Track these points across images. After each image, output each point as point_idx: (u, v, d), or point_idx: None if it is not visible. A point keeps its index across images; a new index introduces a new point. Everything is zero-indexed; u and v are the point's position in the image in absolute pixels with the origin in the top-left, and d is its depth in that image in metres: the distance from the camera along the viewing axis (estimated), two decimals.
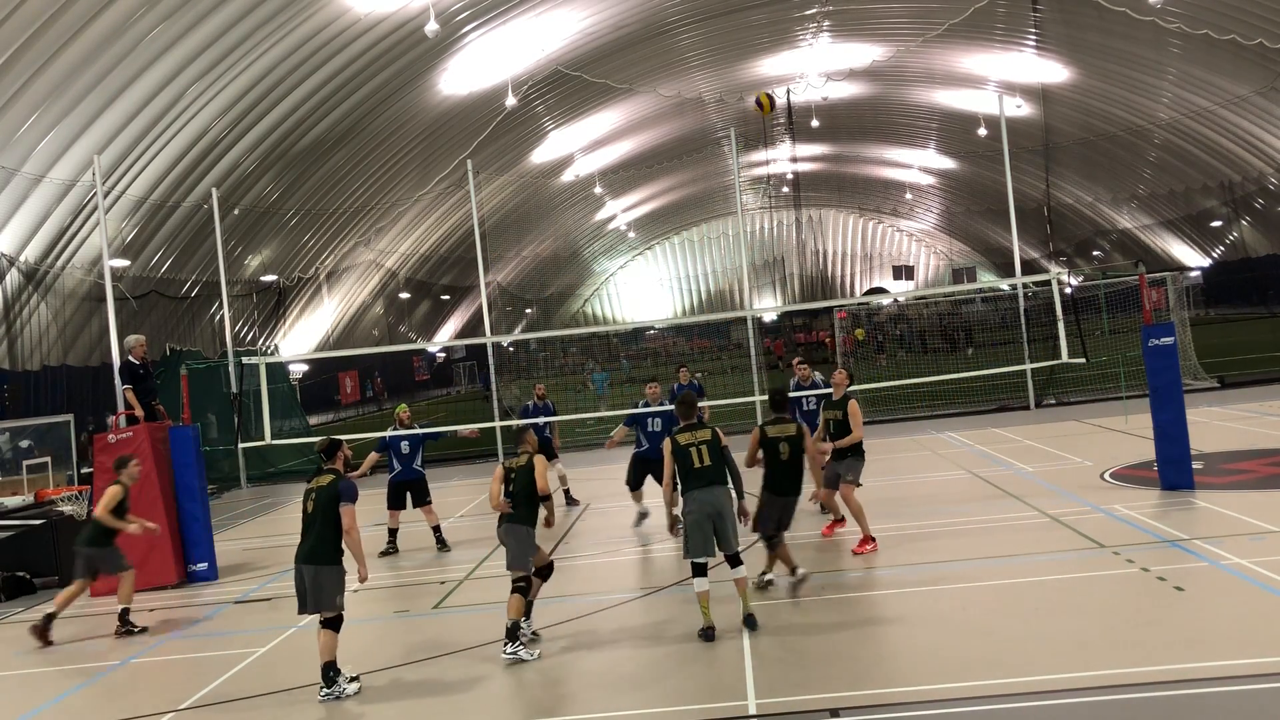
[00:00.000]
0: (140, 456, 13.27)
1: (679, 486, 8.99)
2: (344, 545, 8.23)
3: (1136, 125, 45.37)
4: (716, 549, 8.72)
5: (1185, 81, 40.75)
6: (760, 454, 9.73)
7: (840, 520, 12.08)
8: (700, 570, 8.68)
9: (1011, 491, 13.61)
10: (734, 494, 9.02)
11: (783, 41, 42.10)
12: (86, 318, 28.54)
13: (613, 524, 14.47)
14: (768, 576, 10.08)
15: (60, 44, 21.25)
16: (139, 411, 13.87)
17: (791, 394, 13.43)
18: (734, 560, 8.78)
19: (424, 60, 31.79)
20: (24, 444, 17.76)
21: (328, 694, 8.01)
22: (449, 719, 7.58)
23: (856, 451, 11.37)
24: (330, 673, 8.04)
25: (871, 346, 44.41)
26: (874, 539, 11.18)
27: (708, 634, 8.51)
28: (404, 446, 14.12)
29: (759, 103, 24.54)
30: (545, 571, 9.13)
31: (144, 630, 10.92)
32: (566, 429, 26.47)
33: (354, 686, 8.12)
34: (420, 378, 62.38)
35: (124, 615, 10.94)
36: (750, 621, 8.63)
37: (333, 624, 8.16)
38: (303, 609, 8.29)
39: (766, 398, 10.10)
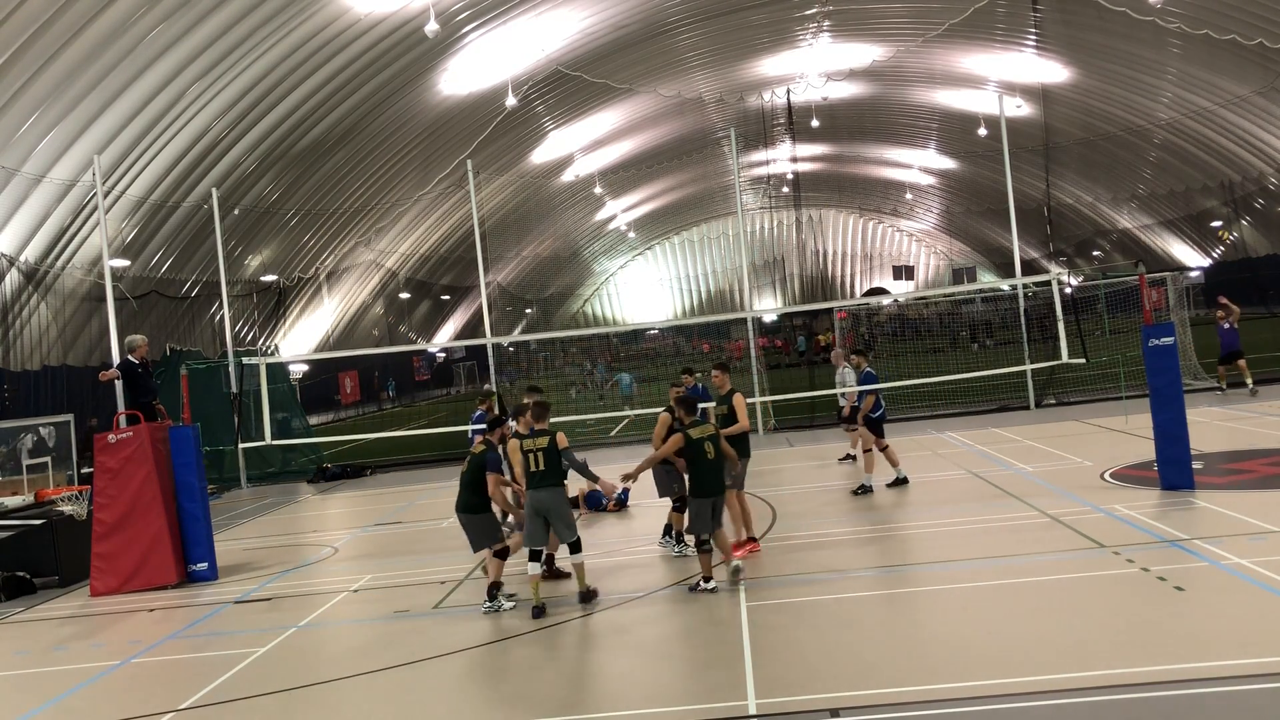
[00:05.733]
0: (140, 457, 13.31)
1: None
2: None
3: (1136, 125, 45.36)
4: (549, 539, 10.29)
5: (1185, 81, 40.75)
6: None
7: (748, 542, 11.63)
8: (534, 557, 10.08)
9: (1011, 491, 13.60)
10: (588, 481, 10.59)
11: (783, 41, 42.09)
12: (86, 318, 28.55)
13: (610, 525, 14.47)
14: (712, 583, 9.96)
15: (60, 44, 21.26)
16: (115, 376, 14.59)
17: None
18: (574, 547, 10.09)
19: (424, 60, 31.80)
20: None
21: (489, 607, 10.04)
22: (450, 719, 7.58)
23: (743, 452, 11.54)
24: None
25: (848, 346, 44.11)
26: (756, 541, 11.63)
27: (537, 612, 9.75)
28: None
29: None
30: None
31: (513, 600, 10.30)
32: (565, 430, 26.40)
33: (510, 604, 10.10)
34: (420, 378, 62.42)
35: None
36: (583, 596, 9.99)
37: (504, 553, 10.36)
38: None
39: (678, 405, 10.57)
